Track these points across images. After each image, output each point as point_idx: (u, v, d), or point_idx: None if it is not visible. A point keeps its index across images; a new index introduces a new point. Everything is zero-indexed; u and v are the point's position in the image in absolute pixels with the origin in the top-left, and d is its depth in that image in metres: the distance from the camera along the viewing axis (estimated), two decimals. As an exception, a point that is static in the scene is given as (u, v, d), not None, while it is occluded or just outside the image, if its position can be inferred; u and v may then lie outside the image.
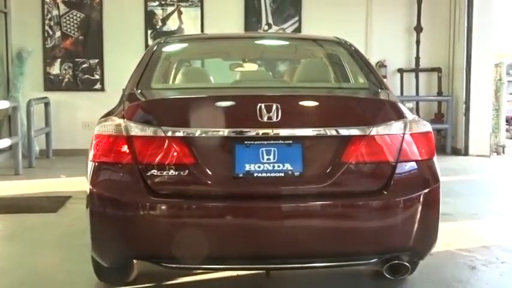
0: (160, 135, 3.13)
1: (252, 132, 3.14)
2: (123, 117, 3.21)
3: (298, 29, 10.94)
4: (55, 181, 8.20)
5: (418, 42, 10.85)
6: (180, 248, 3.11)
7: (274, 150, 3.15)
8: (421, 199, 3.20)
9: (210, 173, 3.11)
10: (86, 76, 10.79)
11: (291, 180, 3.14)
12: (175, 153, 3.11)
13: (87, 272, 3.86)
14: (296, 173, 3.14)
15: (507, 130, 12.66)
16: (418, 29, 10.83)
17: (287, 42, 4.84)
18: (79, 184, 7.59)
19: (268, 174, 3.14)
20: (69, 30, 10.71)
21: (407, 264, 3.24)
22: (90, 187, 3.21)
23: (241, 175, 3.13)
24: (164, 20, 10.80)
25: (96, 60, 10.77)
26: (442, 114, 10.92)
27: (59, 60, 10.67)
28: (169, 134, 3.12)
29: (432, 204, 3.24)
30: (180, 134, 3.12)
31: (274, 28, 10.95)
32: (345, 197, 3.15)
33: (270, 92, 3.61)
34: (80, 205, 6.41)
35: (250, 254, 3.15)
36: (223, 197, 3.12)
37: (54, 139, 10.47)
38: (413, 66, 10.90)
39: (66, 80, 10.78)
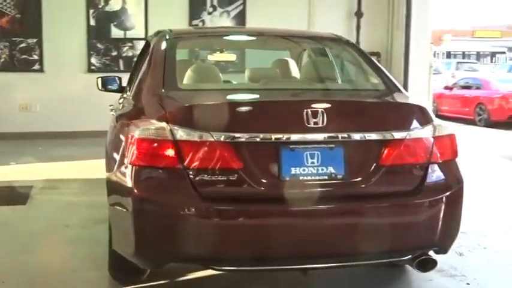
0: (208, 140, 3.14)
1: (298, 137, 3.22)
2: (166, 121, 3.19)
3: (242, 12, 10.99)
4: (6, 168, 7.92)
5: (358, 28, 11.16)
6: (229, 251, 3.18)
7: (317, 153, 3.24)
8: (451, 197, 3.41)
9: (257, 176, 3.17)
10: (24, 56, 10.42)
11: (334, 182, 3.26)
12: (223, 158, 3.14)
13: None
14: (339, 176, 3.25)
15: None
16: (359, 14, 11.14)
17: (293, 39, 4.89)
18: (35, 172, 7.49)
19: (313, 178, 3.23)
20: (5, 8, 10.26)
21: (435, 258, 3.44)
22: (135, 191, 3.18)
23: (287, 178, 3.20)
24: (107, 0, 10.52)
25: (35, 40, 10.41)
26: (381, 98, 11.31)
27: (-6, 39, 10.23)
28: (218, 138, 3.13)
29: (458, 201, 3.46)
30: (228, 138, 3.15)
31: (219, 10, 10.93)
32: (384, 198, 3.31)
33: (315, 97, 3.69)
34: (48, 196, 6.38)
35: (297, 254, 3.24)
36: (271, 200, 3.19)
37: (-12, 122, 10.07)
38: (353, 50, 11.20)
39: (3, 60, 10.37)
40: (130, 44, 10.68)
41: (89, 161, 8.33)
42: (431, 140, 3.41)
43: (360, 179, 3.28)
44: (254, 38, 4.80)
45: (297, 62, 4.74)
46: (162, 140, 3.17)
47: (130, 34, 10.70)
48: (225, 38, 4.80)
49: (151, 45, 4.24)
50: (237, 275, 3.92)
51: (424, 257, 3.37)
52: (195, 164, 3.15)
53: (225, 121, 3.22)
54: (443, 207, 3.38)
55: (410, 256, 3.35)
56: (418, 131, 3.39)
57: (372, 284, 4.06)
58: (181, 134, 3.15)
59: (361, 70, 4.22)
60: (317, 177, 3.24)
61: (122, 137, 3.52)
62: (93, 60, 10.60)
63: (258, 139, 3.19)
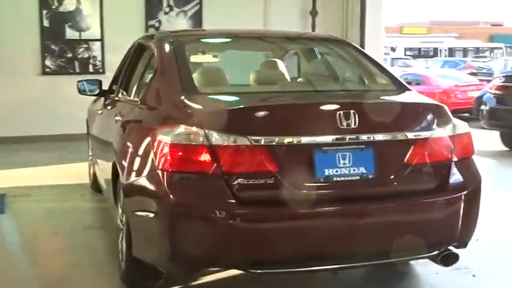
0: (244, 144, 3.14)
1: (331, 138, 3.26)
2: (199, 125, 3.17)
3: (199, 12, 10.94)
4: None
5: (313, 26, 11.28)
6: (267, 254, 3.19)
7: (349, 154, 3.30)
8: (471, 193, 3.54)
9: (293, 179, 3.20)
10: (-26, 58, 10.02)
11: (365, 182, 3.33)
12: (260, 161, 3.16)
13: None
14: (370, 176, 3.32)
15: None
16: (314, 13, 11.27)
17: (298, 41, 4.91)
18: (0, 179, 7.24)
19: (345, 178, 3.29)
20: (-47, 9, 9.86)
21: (457, 253, 3.55)
22: (171, 196, 3.15)
23: (322, 180, 3.25)
24: (60, 0, 10.26)
25: (-15, 41, 10.03)
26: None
27: None
28: (254, 142, 3.14)
29: (478, 197, 3.59)
30: (264, 141, 3.16)
31: (176, 10, 10.84)
32: (413, 196, 3.40)
33: (347, 99, 3.74)
34: (25, 204, 6.21)
35: (334, 254, 3.29)
36: (307, 201, 3.22)
37: None
38: (309, 49, 11.34)
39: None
40: (86, 46, 10.47)
41: (52, 166, 8.20)
42: (453, 138, 3.53)
43: (389, 178, 3.36)
44: (259, 40, 4.80)
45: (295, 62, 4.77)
46: (198, 145, 3.15)
47: (85, 35, 10.48)
48: (230, 40, 4.78)
49: (157, 49, 4.18)
50: (247, 277, 3.95)
51: (448, 252, 3.48)
52: (232, 168, 3.15)
53: (261, 124, 3.24)
54: (465, 203, 3.50)
55: (437, 252, 3.45)
56: (441, 130, 3.50)
57: (381, 281, 4.13)
58: (216, 138, 3.14)
59: (368, 70, 4.29)
60: (349, 178, 3.29)
61: (144, 143, 3.47)
62: (48, 62, 10.32)
63: (293, 142, 3.22)
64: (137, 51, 4.96)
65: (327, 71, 4.43)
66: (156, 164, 3.25)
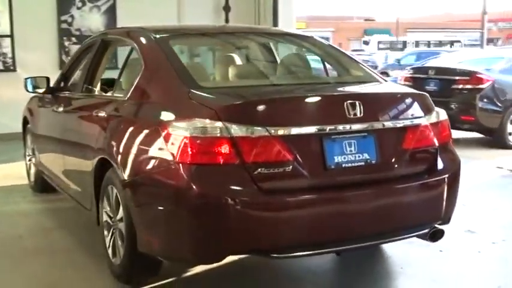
0: (263, 134, 3.27)
1: (339, 127, 3.46)
2: (217, 118, 3.26)
3: (112, 7, 10.81)
4: None
5: (226, 21, 11.43)
6: (289, 239, 3.34)
7: (354, 142, 3.51)
8: (455, 174, 3.88)
9: (307, 166, 3.37)
10: None
11: (369, 167, 3.56)
12: (278, 151, 3.29)
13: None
14: (373, 161, 3.56)
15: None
16: (227, 8, 11.43)
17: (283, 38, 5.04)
18: None
19: (352, 164, 3.50)
20: None
21: (443, 229, 3.86)
22: (194, 188, 3.21)
23: (332, 166, 3.44)
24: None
25: None
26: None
27: None
28: (272, 132, 3.28)
29: (458, 177, 3.93)
30: (281, 132, 3.30)
31: (89, 5, 10.63)
32: (410, 178, 3.67)
33: (352, 90, 3.93)
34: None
35: (344, 236, 3.49)
36: (322, 187, 3.41)
37: None
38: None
39: None
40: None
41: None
42: (437, 124, 3.84)
43: (389, 163, 3.62)
44: (237, 35, 4.89)
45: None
46: (218, 137, 3.23)
47: (-6, 31, 10.04)
48: (210, 36, 4.84)
49: (140, 45, 4.18)
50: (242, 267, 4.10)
51: (436, 229, 3.78)
52: (252, 158, 3.26)
53: (277, 115, 3.38)
54: (449, 183, 3.82)
55: (428, 230, 3.75)
56: (429, 117, 3.80)
57: (354, 265, 4.34)
58: (236, 130, 3.24)
59: (344, 63, 4.53)
60: (356, 164, 3.51)
61: (153, 138, 3.50)
62: (-46, 59, 9.80)
63: (306, 131, 3.38)
64: (101, 48, 4.90)
65: (307, 64, 4.59)
66: (174, 157, 3.29)
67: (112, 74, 4.77)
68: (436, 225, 3.83)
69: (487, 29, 42.66)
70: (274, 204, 3.30)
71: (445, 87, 9.54)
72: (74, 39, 10.54)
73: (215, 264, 4.07)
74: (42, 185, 6.26)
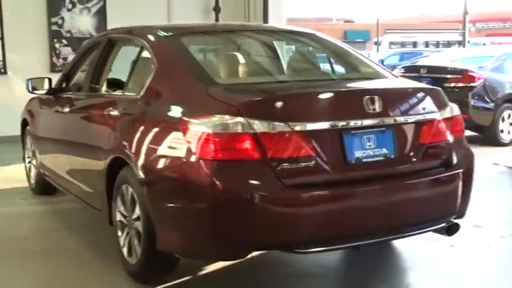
0: (285, 130, 3.27)
1: (359, 122, 3.48)
2: (239, 114, 3.25)
3: (103, 8, 10.75)
4: None
5: (216, 21, 11.41)
6: (312, 234, 3.35)
7: (373, 137, 3.53)
8: (470, 168, 3.92)
9: (328, 161, 3.38)
10: None
11: (388, 162, 3.58)
12: (301, 146, 3.30)
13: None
14: (391, 156, 3.58)
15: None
16: (217, 9, 11.42)
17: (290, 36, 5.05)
18: None
19: (372, 159, 3.52)
20: None
21: (459, 223, 3.89)
22: (218, 184, 3.20)
23: (353, 161, 3.46)
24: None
25: None
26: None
27: None
28: (294, 128, 3.28)
29: (473, 171, 3.97)
30: (302, 127, 3.31)
31: (79, 7, 10.56)
32: (428, 173, 3.70)
33: (370, 85, 3.95)
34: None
35: (366, 230, 3.51)
36: (343, 182, 3.43)
37: None
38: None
39: None
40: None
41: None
42: (452, 119, 3.87)
43: (407, 157, 3.64)
44: (246, 33, 4.89)
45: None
46: (241, 133, 3.23)
47: (-17, 33, 9.94)
48: (220, 34, 4.84)
49: (151, 44, 4.17)
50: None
51: (452, 223, 3.81)
52: (275, 154, 3.26)
53: (299, 111, 3.38)
54: (464, 177, 3.85)
55: (444, 224, 3.78)
56: (443, 112, 3.83)
57: (368, 261, 4.35)
58: (258, 125, 3.24)
59: (353, 60, 4.54)
60: (375, 159, 3.53)
61: (172, 135, 3.49)
62: None
63: (327, 126, 3.39)
64: (108, 47, 4.87)
65: (317, 61, 4.61)
66: (196, 154, 3.28)
67: (121, 73, 4.74)
68: (451, 220, 3.86)
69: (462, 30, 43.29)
70: (298, 200, 3.30)
71: (437, 86, 9.59)
72: (64, 41, 10.47)
73: (233, 262, 4.11)
74: (43, 187, 6.21)
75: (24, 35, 10.16)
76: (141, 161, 3.69)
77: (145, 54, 4.26)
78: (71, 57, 10.29)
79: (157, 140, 3.62)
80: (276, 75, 4.41)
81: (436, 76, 9.78)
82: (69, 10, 10.47)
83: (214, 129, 3.25)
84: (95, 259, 4.41)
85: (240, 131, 3.24)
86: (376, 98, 3.51)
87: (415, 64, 11.90)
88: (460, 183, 3.83)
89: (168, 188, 3.54)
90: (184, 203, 3.43)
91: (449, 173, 3.79)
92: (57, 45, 10.44)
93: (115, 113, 4.17)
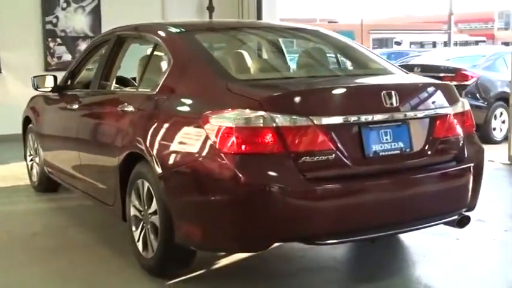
0: (307, 124, 3.34)
1: (377, 117, 3.56)
2: (261, 108, 3.31)
3: (97, 7, 10.76)
4: None
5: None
6: (332, 225, 3.42)
7: (389, 131, 3.61)
8: (481, 162, 4.02)
9: (348, 155, 3.45)
10: None
11: (404, 156, 3.66)
12: (321, 140, 3.37)
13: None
14: (407, 149, 3.66)
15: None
16: (211, 8, 11.47)
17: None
18: None
19: (388, 153, 3.60)
20: None
21: (470, 216, 3.98)
22: (241, 178, 3.26)
23: (371, 155, 3.53)
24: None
25: None
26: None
27: None
28: (315, 122, 3.35)
29: (483, 165, 4.06)
30: (323, 121, 3.38)
31: (73, 6, 10.56)
32: (442, 166, 3.79)
33: (387, 80, 4.04)
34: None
35: (384, 222, 3.58)
36: (362, 175, 3.50)
37: None
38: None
39: None
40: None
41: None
42: (463, 114, 3.97)
43: (422, 151, 3.72)
44: (257, 30, 4.95)
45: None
46: (264, 127, 3.29)
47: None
48: (232, 30, 4.89)
49: (166, 40, 4.22)
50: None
51: (464, 215, 3.90)
52: (296, 147, 3.33)
53: (320, 105, 3.46)
54: (476, 171, 3.94)
55: (457, 216, 3.86)
56: (456, 107, 3.92)
57: (376, 255, 4.42)
58: (280, 119, 3.31)
59: (365, 56, 4.62)
60: (392, 152, 3.61)
61: (193, 130, 3.54)
62: None
63: (347, 120, 3.47)
64: (118, 44, 4.90)
65: (328, 57, 4.67)
66: (218, 148, 3.32)
67: (132, 70, 4.78)
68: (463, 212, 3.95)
69: (444, 31, 43.58)
70: (320, 193, 3.37)
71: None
72: (59, 40, 10.46)
73: (245, 256, 4.17)
74: (46, 184, 6.22)
75: (18, 33, 10.14)
76: (160, 156, 3.73)
77: (159, 50, 4.31)
78: (65, 56, 10.36)
79: (177, 134, 3.66)
80: (290, 71, 4.47)
81: (430, 75, 9.84)
82: (63, 9, 10.47)
83: (236, 123, 3.31)
84: (111, 255, 4.43)
85: (262, 124, 3.29)
86: (393, 92, 3.58)
87: (409, 63, 12.02)
88: (472, 177, 3.92)
89: (189, 182, 3.58)
90: (206, 196, 3.47)
91: (462, 167, 3.88)
92: (51, 44, 10.43)
93: (129, 108, 4.21)
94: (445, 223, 3.90)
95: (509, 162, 7.85)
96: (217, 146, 3.35)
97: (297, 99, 3.43)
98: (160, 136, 3.78)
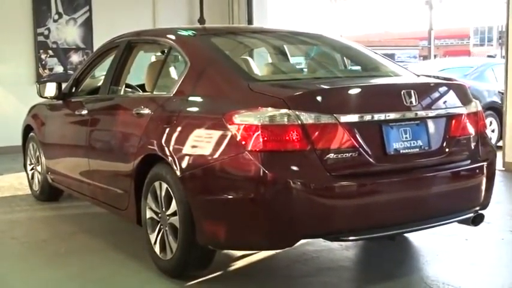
0: (332, 122, 3.39)
1: (397, 115, 3.62)
2: (286, 107, 3.35)
3: (89, 19, 10.74)
4: None
5: (201, 33, 11.53)
6: (357, 222, 3.47)
7: (409, 129, 3.67)
8: (494, 161, 4.10)
9: (370, 152, 3.50)
10: None
11: (423, 154, 3.72)
12: (345, 138, 3.42)
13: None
14: (426, 148, 3.72)
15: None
16: (201, 21, 11.54)
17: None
18: None
19: (408, 151, 3.66)
20: None
21: (484, 214, 4.05)
22: (269, 175, 3.28)
23: (392, 152, 3.59)
24: None
25: None
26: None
27: None
28: (339, 119, 3.40)
29: (495, 164, 4.15)
30: (347, 119, 3.43)
31: (65, 18, 10.54)
32: (459, 165, 3.87)
33: (406, 81, 4.12)
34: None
35: (403, 219, 3.64)
36: (384, 173, 3.55)
37: None
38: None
39: None
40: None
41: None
42: (476, 113, 4.05)
43: (440, 149, 3.79)
44: (265, 34, 5.01)
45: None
46: (290, 125, 3.33)
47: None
48: (245, 35, 4.95)
49: (181, 44, 4.26)
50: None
51: (479, 213, 3.97)
52: (321, 144, 3.37)
53: (343, 103, 3.52)
54: (489, 169, 4.02)
55: (472, 214, 3.93)
56: (470, 106, 4.00)
57: (386, 253, 4.50)
58: (306, 117, 3.35)
59: (377, 60, 4.69)
60: (411, 150, 3.67)
61: (215, 130, 3.55)
62: None
63: (370, 118, 3.53)
64: (128, 49, 4.92)
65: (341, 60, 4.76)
66: (244, 146, 3.34)
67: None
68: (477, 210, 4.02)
69: (422, 46, 44.25)
70: (345, 190, 3.42)
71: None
72: (50, 51, 10.42)
73: (261, 257, 4.19)
74: (48, 193, 6.20)
75: (9, 45, 10.09)
76: (180, 157, 3.74)
77: (174, 54, 4.34)
78: (57, 68, 10.33)
79: (199, 135, 3.68)
80: (308, 72, 4.52)
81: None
82: (55, 21, 10.44)
83: (262, 121, 3.34)
84: (125, 258, 4.42)
85: (287, 122, 3.34)
86: (412, 92, 3.66)
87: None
88: (486, 175, 4.00)
89: (213, 181, 3.58)
90: (232, 195, 3.48)
91: (477, 165, 3.96)
92: (43, 56, 10.38)
93: (145, 111, 4.21)
94: (460, 221, 3.96)
95: (503, 169, 7.97)
96: (243, 145, 3.38)
97: (321, 97, 3.49)
98: (180, 137, 3.80)
